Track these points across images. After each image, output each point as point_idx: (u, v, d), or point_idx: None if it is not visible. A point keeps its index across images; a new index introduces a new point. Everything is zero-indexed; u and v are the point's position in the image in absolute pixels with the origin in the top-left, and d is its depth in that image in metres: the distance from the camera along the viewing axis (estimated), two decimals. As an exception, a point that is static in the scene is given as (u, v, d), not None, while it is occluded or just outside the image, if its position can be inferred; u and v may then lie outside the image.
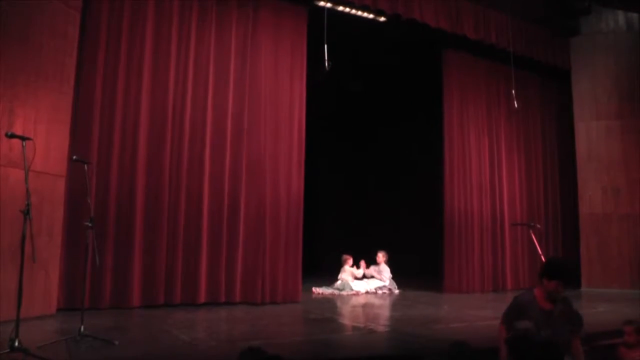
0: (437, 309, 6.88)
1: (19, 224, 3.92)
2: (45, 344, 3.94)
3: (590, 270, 9.50)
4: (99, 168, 5.96)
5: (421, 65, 9.59)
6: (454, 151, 8.89)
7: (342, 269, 8.77)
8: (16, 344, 3.64)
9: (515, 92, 8.46)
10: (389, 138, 12.46)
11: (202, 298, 6.36)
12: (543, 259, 5.56)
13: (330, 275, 8.90)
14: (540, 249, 6.18)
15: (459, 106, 9.03)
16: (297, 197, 7.16)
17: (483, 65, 9.43)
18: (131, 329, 5.13)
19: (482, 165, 9.18)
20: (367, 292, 8.49)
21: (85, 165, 4.54)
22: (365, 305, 7.32)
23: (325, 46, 7.01)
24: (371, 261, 9.03)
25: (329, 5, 7.57)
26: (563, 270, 3.50)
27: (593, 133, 9.79)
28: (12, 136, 4.07)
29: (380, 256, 8.99)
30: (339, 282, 8.58)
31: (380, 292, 8.56)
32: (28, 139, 4.06)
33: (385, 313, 6.82)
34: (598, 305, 7.18)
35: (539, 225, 7.99)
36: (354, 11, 7.83)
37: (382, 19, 8.05)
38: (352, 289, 8.41)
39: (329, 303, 7.39)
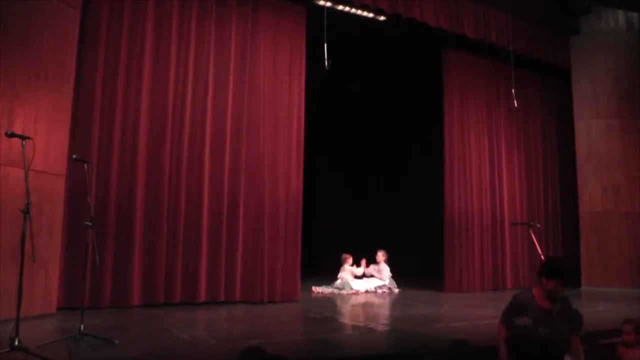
0: (437, 308, 6.88)
1: (19, 223, 3.92)
2: (45, 343, 3.94)
3: (590, 269, 9.50)
4: (99, 168, 5.97)
5: (421, 64, 9.59)
6: (454, 150, 8.89)
7: (342, 268, 8.78)
8: (16, 343, 3.64)
9: (515, 91, 8.46)
10: (389, 138, 12.45)
11: (202, 297, 6.36)
12: (543, 258, 5.56)
13: (330, 274, 8.90)
14: (540, 248, 6.18)
15: (459, 105, 9.03)
16: (296, 197, 7.17)
17: (483, 64, 9.43)
18: (131, 328, 5.13)
19: (482, 164, 9.19)
20: (366, 291, 8.49)
21: (85, 164, 4.54)
22: (365, 305, 7.32)
23: (325, 45, 7.01)
24: (371, 260, 9.03)
25: (328, 4, 7.56)
26: (562, 269, 3.51)
27: (593, 132, 9.79)
28: (12, 135, 4.07)
29: (380, 255, 8.99)
30: (338, 281, 8.58)
31: (380, 291, 8.57)
32: (28, 138, 4.07)
33: (385, 312, 6.82)
34: (598, 304, 7.18)
35: (538, 225, 7.99)
36: (353, 10, 7.81)
37: (382, 18, 8.04)
38: (351, 288, 8.42)
39: (329, 302, 7.39)
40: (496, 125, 9.48)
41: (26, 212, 3.86)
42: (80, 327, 4.25)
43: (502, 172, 9.45)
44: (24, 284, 3.84)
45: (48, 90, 5.38)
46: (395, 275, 8.95)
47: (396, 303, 7.53)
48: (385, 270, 8.89)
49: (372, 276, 8.86)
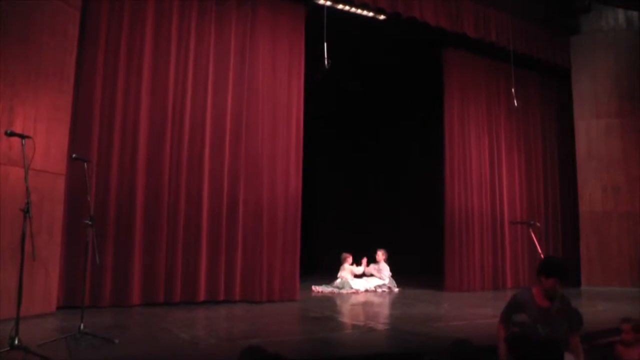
0: (437, 307, 6.88)
1: (19, 223, 3.92)
2: (45, 342, 3.94)
3: (590, 269, 9.50)
4: (99, 167, 5.97)
5: (421, 63, 9.59)
6: (454, 150, 8.89)
7: (342, 267, 8.78)
8: (16, 342, 3.64)
9: (515, 90, 8.45)
10: (389, 137, 12.45)
11: (202, 296, 6.37)
12: (542, 257, 5.56)
13: (330, 273, 8.91)
14: (540, 247, 6.19)
15: (459, 105, 9.03)
16: (295, 196, 7.17)
17: (483, 63, 9.43)
18: (131, 327, 5.13)
19: (482, 163, 9.19)
20: (366, 291, 8.50)
21: (85, 164, 4.54)
22: (364, 304, 7.32)
23: (325, 45, 7.00)
24: (371, 260, 9.04)
25: (328, 3, 7.56)
26: (561, 268, 3.51)
27: (593, 131, 9.79)
28: (12, 134, 4.07)
29: (380, 254, 9.00)
30: (338, 281, 8.58)
31: (379, 290, 8.57)
32: (28, 137, 4.07)
33: (384, 311, 6.82)
34: (598, 304, 7.18)
35: (538, 224, 7.99)
36: (353, 9, 7.81)
37: (382, 17, 8.05)
38: (351, 287, 8.42)
39: (329, 301, 7.39)
40: (496, 124, 9.49)
41: (26, 211, 3.85)
42: (80, 326, 4.25)
43: (502, 171, 9.45)
44: (24, 283, 3.84)
45: (48, 90, 5.38)
46: (395, 274, 8.95)
47: (396, 302, 7.53)
48: (385, 270, 8.89)
49: (371, 275, 8.87)
